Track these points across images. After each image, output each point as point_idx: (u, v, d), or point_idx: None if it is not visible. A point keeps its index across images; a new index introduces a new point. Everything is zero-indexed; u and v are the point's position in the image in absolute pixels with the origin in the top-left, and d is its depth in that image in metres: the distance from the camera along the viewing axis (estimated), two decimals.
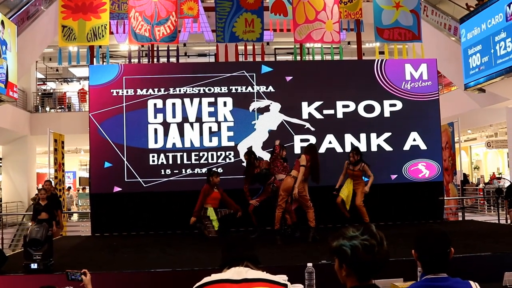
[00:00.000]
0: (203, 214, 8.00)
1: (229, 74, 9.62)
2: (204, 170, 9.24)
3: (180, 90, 9.49)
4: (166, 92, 9.46)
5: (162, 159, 9.30)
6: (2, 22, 10.29)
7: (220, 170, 9.26)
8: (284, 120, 9.53)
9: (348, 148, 9.53)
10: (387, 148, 9.62)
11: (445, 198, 10.75)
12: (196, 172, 9.26)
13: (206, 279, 2.41)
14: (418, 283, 2.35)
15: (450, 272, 2.32)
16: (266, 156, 9.00)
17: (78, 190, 23.11)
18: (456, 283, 2.28)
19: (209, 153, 9.36)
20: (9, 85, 10.57)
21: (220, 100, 9.52)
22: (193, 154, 9.37)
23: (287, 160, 8.14)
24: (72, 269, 3.44)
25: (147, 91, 9.44)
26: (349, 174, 8.33)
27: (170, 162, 9.31)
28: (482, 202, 15.92)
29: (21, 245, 6.90)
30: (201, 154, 9.38)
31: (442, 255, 2.31)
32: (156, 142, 9.36)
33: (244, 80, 9.61)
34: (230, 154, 9.39)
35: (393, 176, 9.58)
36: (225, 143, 9.42)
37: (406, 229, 8.10)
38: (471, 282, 2.30)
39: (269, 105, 9.53)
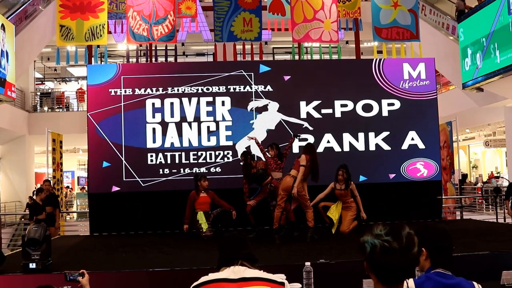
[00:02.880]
0: (194, 218, 8.03)
1: (227, 74, 9.61)
2: (203, 169, 9.24)
3: (178, 90, 9.48)
4: (164, 92, 9.45)
5: (160, 159, 9.30)
6: (3, 25, 10.24)
7: (218, 169, 9.27)
8: (282, 120, 9.52)
9: (346, 147, 9.54)
10: (385, 147, 9.62)
11: (443, 197, 10.76)
12: (194, 171, 9.25)
13: (203, 279, 2.41)
14: (428, 274, 2.35)
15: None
16: None
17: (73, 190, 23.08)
18: (462, 282, 2.30)
19: (207, 153, 9.36)
20: (7, 85, 10.55)
21: (218, 100, 9.51)
22: (191, 153, 9.37)
23: (282, 157, 8.10)
24: (70, 269, 3.44)
25: (145, 91, 9.43)
26: (337, 195, 8.05)
27: (169, 161, 9.30)
28: (480, 201, 15.94)
29: (20, 245, 6.89)
30: (199, 153, 9.38)
31: (451, 250, 2.40)
32: (154, 141, 9.35)
33: (242, 80, 9.61)
34: (228, 153, 9.39)
35: (391, 175, 9.58)
36: (223, 142, 9.41)
37: None
38: (475, 283, 2.32)
39: (267, 105, 9.53)
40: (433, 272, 2.33)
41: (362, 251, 1.76)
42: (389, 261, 1.69)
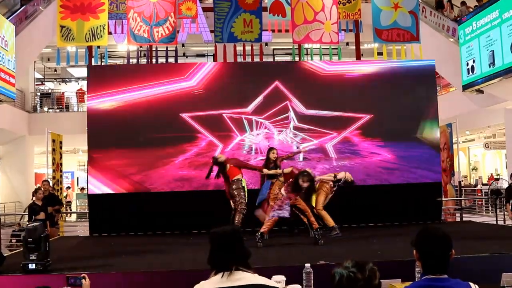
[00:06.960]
0: (236, 186, 7.61)
1: None
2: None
3: None
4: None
5: None
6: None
7: None
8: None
9: None
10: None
11: (443, 199, 10.75)
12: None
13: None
14: (418, 282, 2.36)
15: (448, 273, 2.33)
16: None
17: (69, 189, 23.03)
18: (456, 284, 2.29)
19: None
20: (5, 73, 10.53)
21: None
22: None
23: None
24: (70, 270, 3.44)
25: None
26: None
27: None
28: (480, 203, 15.94)
29: (19, 245, 6.89)
30: None
31: (443, 257, 2.34)
32: None
33: None
34: None
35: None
36: None
37: (404, 229, 8.11)
38: (471, 284, 2.32)
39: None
40: (424, 279, 2.33)
41: (332, 280, 2.03)
42: None
